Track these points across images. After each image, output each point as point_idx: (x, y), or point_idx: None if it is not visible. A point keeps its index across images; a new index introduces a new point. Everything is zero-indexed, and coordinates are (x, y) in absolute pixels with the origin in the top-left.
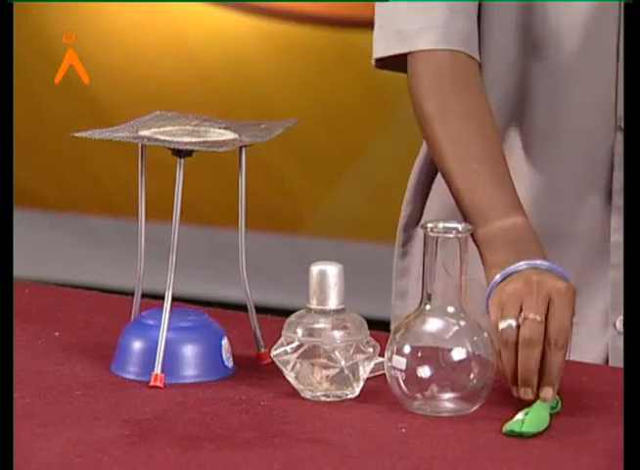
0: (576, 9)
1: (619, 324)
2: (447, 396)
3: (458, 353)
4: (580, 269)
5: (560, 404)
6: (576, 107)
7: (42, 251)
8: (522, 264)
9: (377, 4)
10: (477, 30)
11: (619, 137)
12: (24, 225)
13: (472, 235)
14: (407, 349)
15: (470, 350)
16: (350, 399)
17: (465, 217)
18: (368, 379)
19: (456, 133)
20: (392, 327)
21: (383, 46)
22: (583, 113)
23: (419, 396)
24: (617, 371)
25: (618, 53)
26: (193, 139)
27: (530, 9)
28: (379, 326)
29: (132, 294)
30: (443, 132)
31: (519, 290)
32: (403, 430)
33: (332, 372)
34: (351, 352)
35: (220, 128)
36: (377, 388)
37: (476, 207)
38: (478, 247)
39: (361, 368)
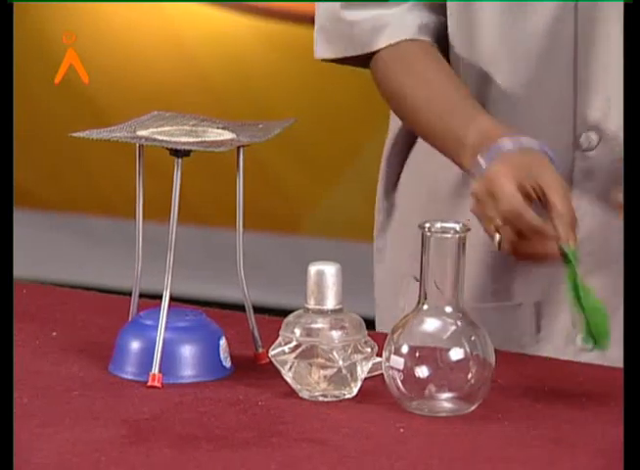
0: (533, 30)
1: (579, 341)
2: (445, 396)
3: (456, 353)
4: (547, 285)
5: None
6: (534, 128)
7: (40, 251)
8: (506, 143)
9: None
10: (439, 24)
11: (578, 155)
12: (22, 225)
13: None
14: (405, 349)
15: (467, 349)
16: (348, 399)
17: (442, 148)
18: (366, 379)
19: (423, 82)
20: (375, 293)
21: (337, 47)
22: (541, 133)
23: (417, 396)
24: (615, 371)
25: (576, 75)
26: (191, 139)
27: (476, 35)
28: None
29: (130, 294)
30: (410, 85)
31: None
32: (401, 430)
33: (330, 372)
34: (349, 351)
35: (218, 128)
36: (375, 388)
37: (450, 130)
38: (467, 170)
39: (359, 368)
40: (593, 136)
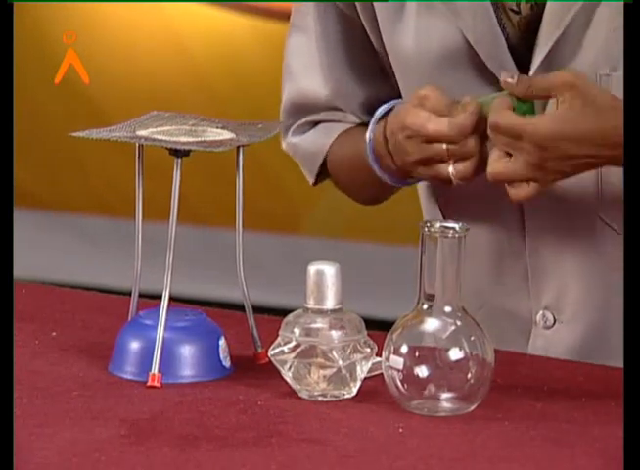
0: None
1: (540, 320)
2: (445, 395)
3: (455, 353)
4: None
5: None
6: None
7: (38, 251)
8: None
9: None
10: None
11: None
12: (20, 225)
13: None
14: (404, 348)
15: (467, 349)
16: (348, 399)
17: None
18: (365, 379)
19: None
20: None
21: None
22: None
23: (416, 395)
24: (615, 371)
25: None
26: (190, 139)
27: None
28: (376, 326)
29: (129, 294)
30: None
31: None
32: (401, 430)
33: (329, 372)
34: (349, 351)
35: (217, 128)
36: (374, 388)
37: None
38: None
39: (359, 368)
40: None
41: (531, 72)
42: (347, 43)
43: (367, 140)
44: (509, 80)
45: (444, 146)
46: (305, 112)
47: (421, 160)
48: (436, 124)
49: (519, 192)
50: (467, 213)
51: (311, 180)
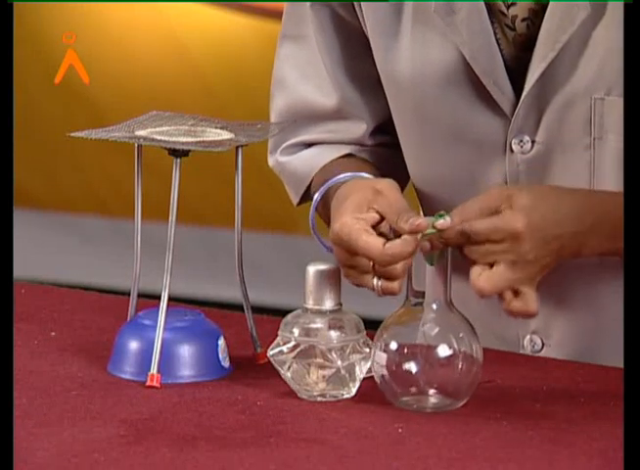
0: None
1: (527, 344)
2: (433, 392)
3: (444, 350)
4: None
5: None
6: None
7: (37, 250)
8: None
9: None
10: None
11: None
12: (20, 225)
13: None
14: (393, 345)
15: (455, 346)
16: (347, 400)
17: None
18: (364, 379)
19: None
20: None
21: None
22: None
23: (405, 392)
24: (614, 371)
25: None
26: (189, 139)
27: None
28: (375, 326)
29: (128, 294)
30: None
31: None
32: (400, 430)
33: (328, 372)
34: (348, 352)
35: (217, 128)
36: (373, 388)
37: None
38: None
39: (357, 368)
40: None
41: (525, 93)
42: (348, 51)
43: (310, 215)
44: (442, 223)
45: (371, 262)
46: (306, 119)
47: (347, 265)
48: (367, 246)
49: (512, 307)
50: None
51: (295, 202)
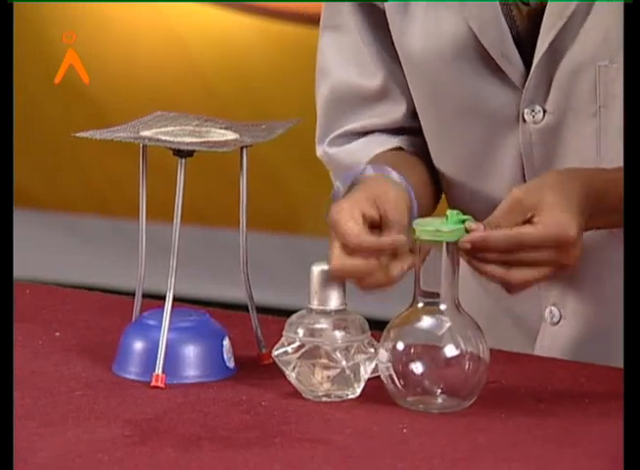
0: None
1: (548, 315)
2: (440, 392)
3: (451, 350)
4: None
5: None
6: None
7: (38, 251)
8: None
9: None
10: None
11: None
12: (20, 225)
13: None
14: (400, 346)
15: (463, 347)
16: (351, 400)
17: None
18: (369, 379)
19: None
20: None
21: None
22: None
23: (412, 392)
24: (616, 371)
25: None
26: (194, 139)
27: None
28: (380, 326)
29: (132, 294)
30: None
31: None
32: (404, 430)
33: (333, 372)
34: (352, 352)
35: (221, 129)
36: (378, 388)
37: None
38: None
39: (362, 368)
40: None
41: (535, 63)
42: (382, 31)
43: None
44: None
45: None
46: (351, 104)
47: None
48: (347, 230)
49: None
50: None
51: (341, 194)
